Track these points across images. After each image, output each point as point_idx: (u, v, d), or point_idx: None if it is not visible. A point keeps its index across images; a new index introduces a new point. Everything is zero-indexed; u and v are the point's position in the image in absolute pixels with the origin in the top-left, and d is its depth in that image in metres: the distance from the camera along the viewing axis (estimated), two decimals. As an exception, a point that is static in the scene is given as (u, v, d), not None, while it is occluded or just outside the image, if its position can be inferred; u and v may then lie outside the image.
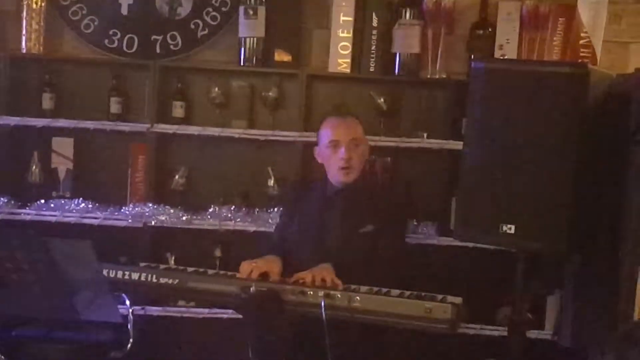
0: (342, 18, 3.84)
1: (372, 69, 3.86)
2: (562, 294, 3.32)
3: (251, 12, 3.85)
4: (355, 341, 2.88)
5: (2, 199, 3.78)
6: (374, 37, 3.85)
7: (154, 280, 2.95)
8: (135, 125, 3.86)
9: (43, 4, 3.90)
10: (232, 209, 3.81)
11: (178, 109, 3.92)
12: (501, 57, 3.73)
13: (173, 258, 3.85)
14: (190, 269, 3.07)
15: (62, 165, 3.98)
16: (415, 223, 3.68)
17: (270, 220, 3.73)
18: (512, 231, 2.84)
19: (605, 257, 2.87)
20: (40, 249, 2.70)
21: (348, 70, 3.86)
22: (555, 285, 3.29)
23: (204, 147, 3.98)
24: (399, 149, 3.76)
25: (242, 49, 3.88)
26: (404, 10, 3.81)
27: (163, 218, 3.79)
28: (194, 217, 3.81)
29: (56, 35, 4.00)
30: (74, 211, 3.79)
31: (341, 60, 3.86)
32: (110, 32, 3.96)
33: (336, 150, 3.19)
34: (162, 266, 3.19)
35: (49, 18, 3.94)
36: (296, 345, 2.96)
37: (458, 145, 3.47)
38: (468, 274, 3.69)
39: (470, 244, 3.43)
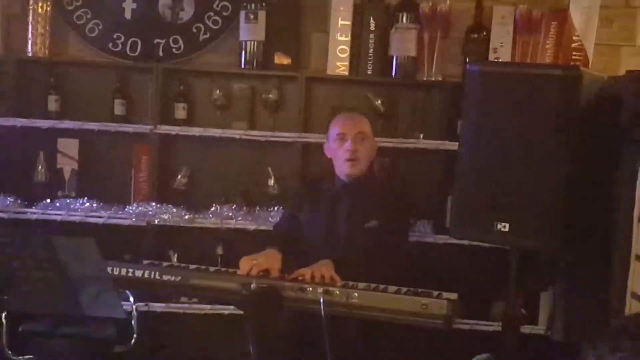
0: (340, 22, 3.84)
1: (369, 72, 3.86)
2: (554, 290, 3.31)
3: (252, 17, 3.85)
4: (353, 336, 2.88)
5: (8, 198, 3.77)
6: (371, 41, 3.85)
7: (157, 277, 2.95)
8: (138, 127, 3.86)
9: (48, 9, 3.90)
10: (233, 208, 3.81)
11: (180, 111, 3.92)
12: (495, 60, 3.73)
13: (176, 256, 3.85)
14: (192, 267, 3.07)
15: (68, 165, 3.97)
16: (411, 221, 3.67)
17: (270, 219, 3.73)
18: (507, 229, 2.84)
19: (597, 254, 2.87)
20: (46, 247, 2.70)
21: (346, 73, 3.86)
22: (549, 282, 3.28)
23: (206, 148, 3.98)
24: (396, 149, 3.76)
25: (243, 52, 3.88)
26: (400, 15, 3.82)
27: (166, 217, 3.79)
28: (196, 216, 3.81)
29: (61, 38, 4.00)
30: (79, 210, 3.79)
31: (339, 63, 3.86)
32: (114, 36, 3.95)
33: (343, 143, 3.21)
34: (165, 264, 3.19)
35: (55, 22, 3.94)
36: (296, 341, 2.97)
37: (454, 145, 3.47)
38: (463, 271, 3.69)
39: (466, 242, 3.43)
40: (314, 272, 2.82)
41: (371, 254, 3.04)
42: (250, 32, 3.86)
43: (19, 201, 3.79)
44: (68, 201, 3.83)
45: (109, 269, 2.84)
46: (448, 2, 3.80)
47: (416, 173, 3.86)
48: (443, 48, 3.81)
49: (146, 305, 3.73)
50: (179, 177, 3.96)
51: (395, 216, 3.20)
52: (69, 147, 3.97)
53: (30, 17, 3.87)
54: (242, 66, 3.90)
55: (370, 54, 3.85)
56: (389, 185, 3.58)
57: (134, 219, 3.78)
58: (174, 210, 3.80)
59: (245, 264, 2.90)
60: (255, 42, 3.87)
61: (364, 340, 2.94)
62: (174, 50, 3.96)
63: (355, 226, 3.15)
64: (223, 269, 3.11)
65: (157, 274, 2.95)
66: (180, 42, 3.96)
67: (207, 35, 3.97)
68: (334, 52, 3.85)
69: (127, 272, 2.96)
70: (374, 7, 3.86)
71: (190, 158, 4.01)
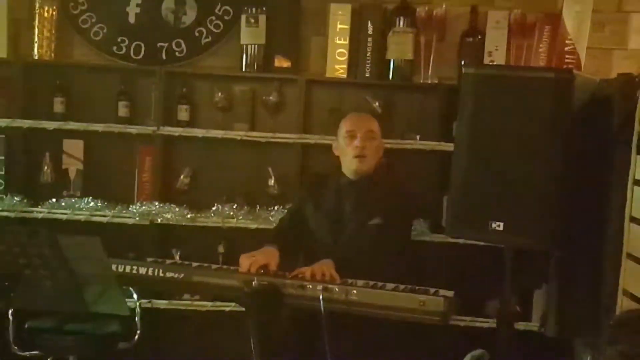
0: (339, 26, 3.84)
1: (367, 74, 3.86)
2: (548, 287, 3.31)
3: (252, 21, 3.85)
4: (352, 333, 2.87)
5: (15, 198, 3.78)
6: (369, 44, 3.84)
7: (160, 274, 2.93)
8: (142, 128, 3.86)
9: (54, 13, 3.90)
10: (234, 207, 3.81)
11: (183, 113, 3.92)
12: (490, 63, 3.73)
13: (178, 254, 3.85)
14: (194, 264, 3.06)
15: (73, 165, 3.97)
16: (413, 220, 3.66)
17: (270, 218, 3.73)
18: (501, 228, 2.84)
19: (589, 252, 2.87)
20: (52, 246, 2.70)
21: (345, 76, 3.86)
22: (542, 279, 3.28)
23: (208, 149, 3.97)
24: (393, 150, 3.76)
25: (244, 56, 3.88)
26: (397, 19, 3.81)
27: (169, 216, 3.79)
28: (198, 215, 3.81)
29: (67, 42, 3.99)
30: (84, 209, 3.79)
31: (338, 66, 3.86)
32: (119, 40, 3.95)
33: (352, 140, 3.21)
34: (168, 261, 3.18)
35: (60, 26, 3.93)
36: (296, 336, 2.96)
37: (449, 146, 3.47)
38: (459, 269, 3.68)
39: (461, 240, 3.44)
40: (314, 270, 2.82)
41: (374, 251, 3.04)
42: (251, 35, 3.86)
43: (26, 200, 3.79)
44: (73, 201, 3.83)
45: (113, 267, 2.84)
46: (444, 6, 3.80)
47: (413, 173, 3.85)
48: (439, 51, 3.81)
49: (149, 302, 3.73)
50: (182, 177, 3.96)
51: (398, 214, 3.19)
52: (74, 148, 3.96)
53: (37, 22, 3.87)
54: (243, 69, 3.89)
55: (368, 57, 3.84)
56: (392, 184, 3.58)
57: (137, 218, 3.78)
58: (177, 209, 3.80)
59: (245, 261, 2.90)
60: (256, 46, 3.87)
61: (362, 336, 2.93)
62: (176, 53, 3.96)
63: (359, 223, 3.15)
64: (224, 267, 3.11)
65: (160, 271, 2.94)
66: (183, 45, 3.96)
67: (209, 39, 3.96)
68: (333, 55, 3.85)
69: (131, 269, 2.94)
70: (372, 12, 3.86)
71: (193, 158, 4.00)
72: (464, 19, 3.85)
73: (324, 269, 2.82)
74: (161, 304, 3.79)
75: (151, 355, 3.83)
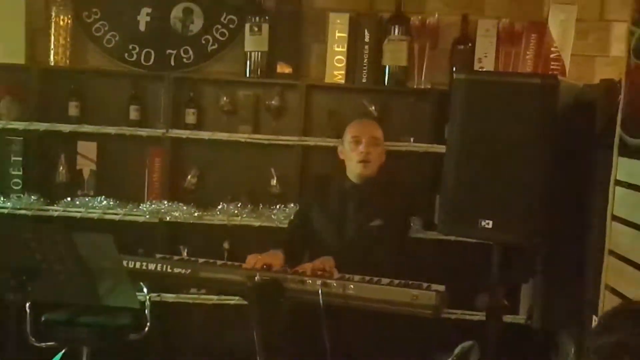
0: (337, 34, 3.84)
1: (364, 80, 3.86)
2: (534, 282, 3.32)
3: (256, 29, 3.85)
4: (349, 325, 2.87)
5: (32, 197, 3.78)
6: (366, 51, 3.84)
7: (169, 270, 2.94)
8: (152, 131, 3.86)
9: (69, 22, 3.89)
10: (238, 206, 3.81)
11: (190, 116, 3.92)
12: (480, 70, 3.73)
13: (186, 250, 3.85)
14: (201, 260, 3.06)
15: (87, 166, 3.97)
16: (411, 220, 3.66)
17: (273, 216, 3.74)
18: (490, 226, 2.84)
19: (573, 249, 2.88)
20: (67, 242, 2.71)
21: (343, 81, 3.86)
22: (529, 275, 3.28)
23: (214, 150, 3.97)
24: (388, 151, 3.75)
25: (248, 62, 3.88)
26: (392, 27, 3.81)
27: (177, 214, 3.79)
28: (205, 213, 3.82)
29: (81, 49, 3.99)
30: (97, 208, 3.80)
31: (337, 72, 3.86)
32: (130, 47, 3.95)
33: (357, 146, 3.22)
34: (176, 257, 3.18)
35: (75, 34, 3.93)
36: (296, 328, 2.97)
37: (441, 148, 3.47)
38: (450, 265, 3.68)
39: (452, 237, 3.44)
40: (314, 266, 2.83)
41: (375, 250, 3.07)
42: (255, 43, 3.86)
43: (42, 199, 3.80)
44: (87, 199, 3.83)
45: (124, 262, 2.85)
46: (437, 15, 3.80)
47: (407, 174, 3.85)
48: (432, 58, 3.81)
49: (159, 295, 3.73)
50: (189, 177, 3.96)
51: (398, 215, 3.21)
52: (88, 149, 3.96)
53: (53, 30, 3.87)
54: (247, 75, 3.90)
55: (365, 64, 3.84)
56: (392, 186, 3.59)
57: (147, 216, 3.79)
58: (184, 208, 3.81)
59: (251, 259, 2.92)
60: (259, 53, 3.87)
61: (359, 328, 2.94)
62: (184, 60, 3.96)
63: (361, 224, 3.16)
64: (229, 263, 3.11)
65: (169, 267, 2.94)
66: (190, 52, 3.96)
67: (215, 46, 3.97)
68: (332, 61, 3.85)
69: (141, 265, 2.94)
70: (368, 20, 3.86)
71: (200, 160, 4.00)
72: (455, 28, 3.85)
73: (324, 265, 2.82)
74: (169, 297, 3.79)
75: (160, 345, 3.84)
